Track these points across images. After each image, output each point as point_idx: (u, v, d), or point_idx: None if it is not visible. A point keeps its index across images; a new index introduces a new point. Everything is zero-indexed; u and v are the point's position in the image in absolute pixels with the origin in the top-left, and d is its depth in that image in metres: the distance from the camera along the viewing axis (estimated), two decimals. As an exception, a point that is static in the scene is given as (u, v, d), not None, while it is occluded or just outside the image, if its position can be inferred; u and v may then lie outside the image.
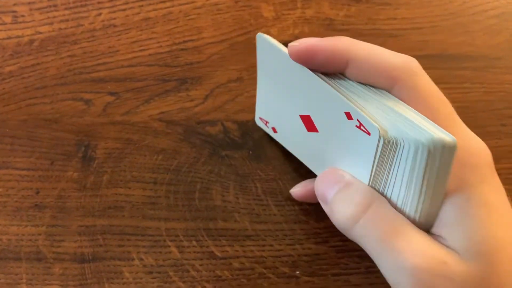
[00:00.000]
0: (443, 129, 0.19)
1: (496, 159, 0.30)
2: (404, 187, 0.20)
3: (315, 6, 0.33)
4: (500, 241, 0.19)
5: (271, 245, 0.28)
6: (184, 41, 0.32)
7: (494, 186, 0.21)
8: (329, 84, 0.21)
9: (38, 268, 0.27)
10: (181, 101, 0.31)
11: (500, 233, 0.19)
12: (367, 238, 0.21)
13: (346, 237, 0.28)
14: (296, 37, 0.32)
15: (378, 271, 0.27)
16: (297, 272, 0.27)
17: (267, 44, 0.23)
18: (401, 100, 0.21)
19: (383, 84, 0.21)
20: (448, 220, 0.20)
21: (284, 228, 0.28)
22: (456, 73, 0.32)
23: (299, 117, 0.24)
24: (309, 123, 0.24)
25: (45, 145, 0.30)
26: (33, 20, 0.32)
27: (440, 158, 0.18)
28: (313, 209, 0.28)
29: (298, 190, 0.28)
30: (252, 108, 0.30)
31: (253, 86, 0.31)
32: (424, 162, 0.19)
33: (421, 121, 0.19)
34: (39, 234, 0.28)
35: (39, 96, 0.31)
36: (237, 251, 0.28)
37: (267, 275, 0.27)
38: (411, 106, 0.20)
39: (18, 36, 0.32)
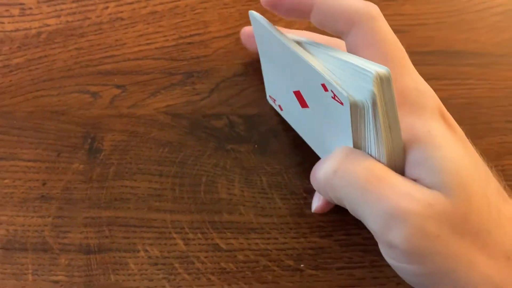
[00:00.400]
0: (376, 63, 0.19)
1: (501, 155, 0.30)
2: (375, 141, 0.20)
3: (321, 1, 0.33)
4: (469, 171, 0.19)
5: (276, 238, 0.28)
6: (191, 35, 0.32)
7: (446, 122, 0.21)
8: (301, 53, 0.21)
9: (44, 259, 0.28)
10: (187, 94, 0.31)
11: (466, 164, 0.19)
12: (349, 188, 0.20)
13: (351, 231, 0.28)
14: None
15: (382, 265, 0.28)
16: (302, 265, 0.28)
17: (258, 23, 0.24)
18: (355, 44, 0.21)
19: (342, 27, 0.22)
20: (417, 159, 0.20)
21: (289, 222, 0.28)
22: (461, 69, 0.32)
23: (293, 94, 0.25)
24: (301, 99, 0.25)
25: (51, 136, 0.30)
26: (41, 13, 0.32)
27: (383, 91, 0.19)
28: (317, 203, 0.29)
29: (318, 205, 0.27)
30: (257, 102, 0.30)
31: (258, 81, 0.31)
32: (376, 103, 0.19)
33: (360, 61, 0.19)
34: (45, 225, 0.28)
35: (46, 88, 0.31)
36: (242, 243, 0.28)
37: (271, 267, 0.27)
38: (365, 50, 0.21)
39: (25, 29, 0.32)
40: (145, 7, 0.33)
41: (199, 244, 0.28)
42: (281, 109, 0.29)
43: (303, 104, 0.25)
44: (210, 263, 0.27)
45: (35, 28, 0.32)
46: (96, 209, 0.28)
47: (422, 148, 0.20)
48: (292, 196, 0.29)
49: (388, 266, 0.27)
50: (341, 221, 0.28)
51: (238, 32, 0.32)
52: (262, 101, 0.30)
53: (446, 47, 0.32)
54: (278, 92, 0.28)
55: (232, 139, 0.30)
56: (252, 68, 0.31)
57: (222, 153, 0.30)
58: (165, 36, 0.32)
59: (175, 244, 0.28)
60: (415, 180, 0.20)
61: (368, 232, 0.28)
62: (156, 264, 0.27)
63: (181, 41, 0.32)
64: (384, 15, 0.33)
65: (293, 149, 0.29)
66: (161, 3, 0.33)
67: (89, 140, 0.30)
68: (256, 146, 0.30)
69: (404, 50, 0.22)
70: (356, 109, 0.20)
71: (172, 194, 0.29)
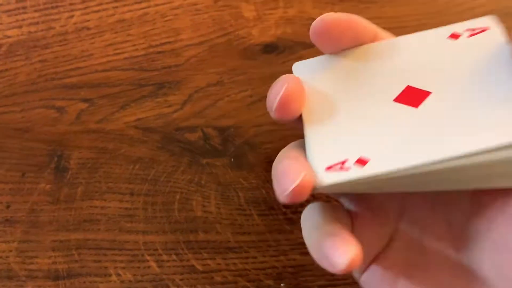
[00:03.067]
0: None
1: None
2: None
3: (297, 5, 0.32)
4: None
5: (255, 257, 0.27)
6: (161, 44, 0.31)
7: None
8: None
9: (10, 287, 0.26)
10: (159, 107, 0.29)
11: None
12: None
13: (332, 247, 0.27)
14: (278, 38, 0.31)
15: (366, 282, 0.26)
16: (282, 284, 0.26)
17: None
18: None
19: None
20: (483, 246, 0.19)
21: (268, 239, 0.27)
22: (443, 73, 0.31)
23: (394, 103, 0.20)
24: (413, 95, 0.19)
25: (15, 156, 0.28)
26: (0, 24, 0.30)
27: None
28: (298, 218, 0.27)
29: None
30: (233, 113, 0.29)
31: (234, 90, 0.30)
32: None
33: None
34: (10, 251, 0.27)
35: (8, 104, 0.29)
36: (219, 264, 0.27)
37: (250, 288, 0.26)
38: None
39: (-15, 41, 0.30)
40: (112, 15, 0.31)
41: (174, 266, 0.26)
42: (363, 163, 0.18)
43: (418, 99, 0.19)
44: (186, 286, 0.26)
45: (-6, 40, 0.30)
46: (65, 232, 0.27)
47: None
48: (271, 212, 0.27)
49: (372, 282, 0.26)
50: (323, 236, 0.27)
51: (212, 39, 0.31)
52: (238, 112, 0.29)
53: (428, 51, 0.31)
54: (358, 135, 0.19)
55: (207, 153, 0.29)
56: (226, 77, 0.30)
57: (196, 168, 0.28)
58: (134, 45, 0.30)
59: (149, 267, 0.26)
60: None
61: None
62: (129, 288, 0.26)
63: (151, 50, 0.30)
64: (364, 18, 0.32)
65: (271, 162, 0.28)
66: (130, 11, 0.31)
67: (56, 159, 0.28)
68: (232, 159, 0.28)
69: None
70: None
71: (144, 213, 0.27)
